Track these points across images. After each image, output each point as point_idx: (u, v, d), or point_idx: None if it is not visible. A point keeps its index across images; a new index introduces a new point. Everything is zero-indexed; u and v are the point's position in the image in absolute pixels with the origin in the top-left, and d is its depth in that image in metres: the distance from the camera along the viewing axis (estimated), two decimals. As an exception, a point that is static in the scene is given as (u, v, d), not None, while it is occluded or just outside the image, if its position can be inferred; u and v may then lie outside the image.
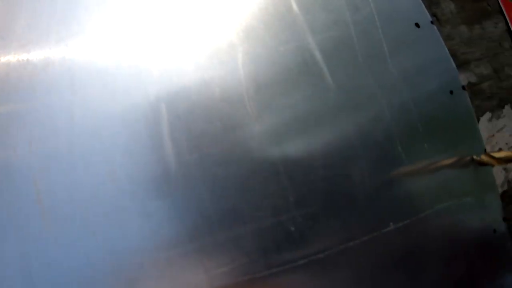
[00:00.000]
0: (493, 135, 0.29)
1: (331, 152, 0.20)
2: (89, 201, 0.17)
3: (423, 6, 0.26)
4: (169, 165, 0.18)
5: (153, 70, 0.19)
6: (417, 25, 0.25)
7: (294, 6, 0.22)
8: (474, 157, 0.26)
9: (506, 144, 0.30)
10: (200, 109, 0.18)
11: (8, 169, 0.15)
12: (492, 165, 0.26)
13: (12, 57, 0.17)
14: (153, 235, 0.17)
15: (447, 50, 0.26)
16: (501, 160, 0.25)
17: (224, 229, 0.18)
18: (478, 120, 0.28)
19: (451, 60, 0.26)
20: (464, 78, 0.28)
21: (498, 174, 0.29)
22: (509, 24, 0.35)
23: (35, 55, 0.17)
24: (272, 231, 0.18)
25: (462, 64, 0.27)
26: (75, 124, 0.17)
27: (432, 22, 0.26)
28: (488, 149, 0.28)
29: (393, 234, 0.22)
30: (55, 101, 0.17)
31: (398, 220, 0.22)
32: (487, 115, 0.29)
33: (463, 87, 0.26)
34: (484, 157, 0.25)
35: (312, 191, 0.19)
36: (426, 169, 0.23)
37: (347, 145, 0.21)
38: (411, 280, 0.23)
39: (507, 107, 0.31)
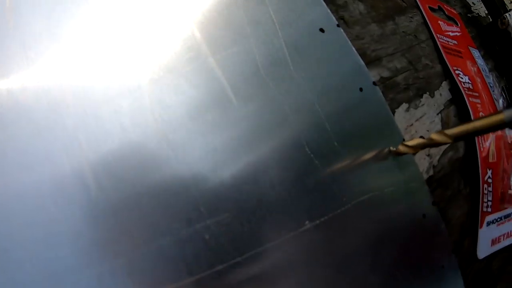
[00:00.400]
0: (412, 124, 0.30)
1: (238, 160, 0.21)
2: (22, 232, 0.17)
3: (328, 10, 0.28)
4: (89, 191, 0.18)
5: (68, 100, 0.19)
6: (321, 30, 0.26)
7: (196, 31, 0.22)
8: (391, 148, 0.27)
9: (428, 131, 0.31)
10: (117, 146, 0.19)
11: None
12: (411, 153, 0.27)
13: None
14: (84, 257, 0.18)
15: (354, 50, 0.27)
16: (417, 147, 0.26)
17: (146, 242, 0.18)
18: (394, 112, 0.29)
19: (359, 58, 0.27)
20: (375, 74, 0.29)
21: (422, 161, 0.30)
22: (425, 16, 0.36)
23: None
24: (190, 240, 0.19)
25: (373, 61, 0.29)
26: (8, 160, 0.17)
27: (338, 25, 0.27)
28: (408, 138, 0.29)
29: (311, 232, 0.22)
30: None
31: (314, 218, 0.23)
32: (404, 106, 0.30)
33: (374, 83, 0.27)
34: (401, 147, 0.27)
35: (223, 199, 0.20)
36: (340, 167, 0.24)
37: (254, 154, 0.21)
38: (338, 273, 0.24)
39: (425, 96, 0.32)
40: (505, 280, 0.37)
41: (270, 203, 0.21)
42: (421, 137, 0.28)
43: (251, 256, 0.21)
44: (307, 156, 0.23)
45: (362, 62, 0.27)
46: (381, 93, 0.27)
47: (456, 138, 0.25)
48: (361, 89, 0.26)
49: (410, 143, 0.26)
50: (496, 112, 0.22)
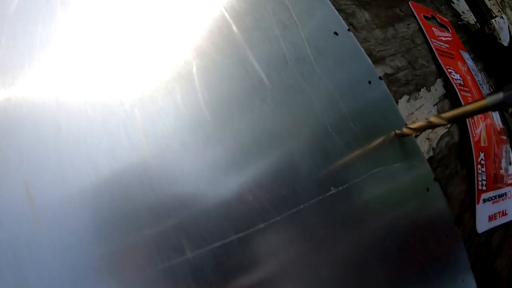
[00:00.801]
0: (413, 113, 0.35)
1: (275, 139, 0.25)
2: (78, 200, 0.20)
3: (341, 18, 0.33)
4: (147, 163, 0.22)
5: (125, 84, 0.24)
6: (335, 33, 0.32)
7: (234, 28, 0.27)
8: (397, 131, 0.32)
9: (426, 119, 0.36)
10: (168, 115, 0.23)
11: None
12: (413, 135, 0.32)
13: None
14: (136, 218, 0.22)
15: (363, 50, 0.32)
16: (419, 129, 0.31)
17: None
18: (397, 102, 0.34)
19: (367, 57, 0.32)
20: (381, 71, 0.34)
21: (423, 143, 0.35)
22: (420, 23, 0.42)
23: (19, 79, 0.21)
24: (236, 199, 0.23)
25: (378, 60, 0.34)
26: (62, 136, 0.22)
27: (349, 30, 0.33)
28: (410, 123, 0.34)
29: (336, 196, 0.27)
30: (41, 116, 0.21)
31: (338, 185, 0.27)
32: (405, 97, 0.35)
33: (380, 78, 0.32)
34: (405, 129, 0.31)
35: (264, 171, 0.25)
36: (356, 145, 0.29)
37: (287, 133, 0.26)
38: (358, 234, 0.28)
39: (423, 90, 0.37)
40: (504, 256, 0.41)
41: (302, 172, 0.26)
42: (422, 122, 0.32)
43: (287, 216, 0.25)
44: (330, 134, 0.28)
45: (370, 60, 0.32)
46: (386, 86, 0.32)
47: (450, 120, 0.29)
48: (369, 82, 0.31)
49: (413, 125, 0.31)
50: (481, 98, 0.27)
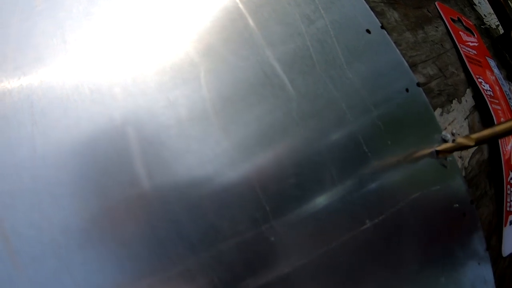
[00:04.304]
0: (446, 128, 0.29)
1: (300, 160, 0.19)
2: (60, 236, 0.15)
3: (372, 13, 0.26)
4: (143, 189, 0.16)
5: (116, 94, 0.17)
6: (368, 31, 0.25)
7: (251, 22, 0.21)
8: (436, 148, 0.26)
9: (459, 134, 0.30)
10: (168, 130, 0.17)
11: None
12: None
13: (-35, 90, 0.15)
14: (132, 264, 0.15)
15: (398, 51, 0.26)
16: (445, 152, 0.26)
17: (205, 247, 0.16)
18: (432, 115, 0.28)
19: (404, 60, 0.26)
20: (414, 78, 0.28)
21: (456, 162, 0.29)
22: (448, 26, 0.35)
23: None
24: (253, 242, 0.17)
25: (410, 67, 0.27)
26: (37, 157, 0.15)
27: (382, 27, 0.26)
28: (444, 140, 0.28)
29: (371, 230, 0.21)
30: (14, 133, 0.15)
31: (373, 216, 0.21)
32: (438, 110, 0.29)
33: (418, 84, 0.26)
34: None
35: (286, 199, 0.18)
36: (393, 165, 0.23)
37: (314, 151, 0.20)
38: (392, 270, 0.22)
39: (454, 102, 0.31)
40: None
41: (332, 202, 0.20)
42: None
43: (315, 257, 0.19)
44: (364, 155, 0.21)
45: (406, 64, 0.26)
46: (424, 94, 0.25)
47: (478, 142, 0.25)
48: (407, 90, 0.25)
49: (440, 148, 0.25)
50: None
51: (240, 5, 0.21)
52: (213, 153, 0.17)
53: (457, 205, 0.26)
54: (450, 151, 0.26)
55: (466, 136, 0.25)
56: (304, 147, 0.19)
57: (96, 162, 0.16)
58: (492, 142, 0.34)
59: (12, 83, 0.16)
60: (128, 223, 0.15)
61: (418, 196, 0.23)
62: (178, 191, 0.16)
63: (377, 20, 0.26)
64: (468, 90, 0.34)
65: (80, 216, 0.15)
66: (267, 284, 0.16)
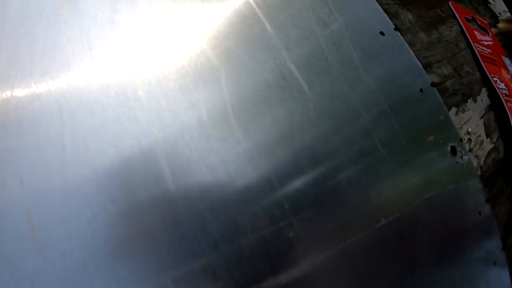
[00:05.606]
0: (461, 127, 0.28)
1: (317, 159, 0.19)
2: (86, 232, 0.15)
3: (386, 15, 0.26)
4: (167, 187, 0.16)
5: (141, 96, 0.18)
6: (382, 33, 0.25)
7: (268, 26, 0.21)
8: (451, 145, 0.25)
9: (474, 134, 0.30)
10: (191, 131, 0.17)
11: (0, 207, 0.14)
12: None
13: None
14: (156, 258, 0.16)
15: (412, 52, 0.26)
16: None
17: (227, 243, 0.16)
18: (447, 115, 0.28)
19: (417, 61, 0.26)
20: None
21: (472, 161, 0.29)
22: (462, 26, 0.35)
23: (19, 89, 0.16)
24: (273, 239, 0.17)
25: (425, 67, 0.27)
26: (66, 155, 0.16)
27: (395, 29, 0.26)
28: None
29: (386, 227, 0.21)
30: (43, 133, 0.16)
31: (389, 214, 0.21)
32: (453, 110, 0.28)
33: (432, 84, 0.26)
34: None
35: (305, 197, 0.18)
36: (408, 164, 0.23)
37: (332, 151, 0.20)
38: (409, 267, 0.22)
39: (470, 101, 0.31)
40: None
41: (349, 200, 0.20)
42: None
43: (333, 253, 0.19)
44: (380, 155, 0.21)
45: (420, 64, 0.26)
46: (439, 95, 0.25)
47: None
48: (421, 90, 0.25)
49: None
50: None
51: (258, 11, 0.21)
52: (235, 152, 0.17)
53: (472, 203, 0.26)
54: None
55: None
56: (321, 146, 0.20)
57: (122, 161, 0.16)
58: (508, 138, 0.33)
59: (40, 88, 0.17)
60: (153, 219, 0.16)
61: (433, 195, 0.23)
62: (201, 188, 0.16)
63: (390, 22, 0.26)
64: (483, 89, 0.33)
65: (107, 212, 0.16)
66: (285, 279, 0.17)
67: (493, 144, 0.32)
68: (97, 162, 0.16)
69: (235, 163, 0.17)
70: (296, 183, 0.18)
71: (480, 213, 0.26)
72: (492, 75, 0.34)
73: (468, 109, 0.30)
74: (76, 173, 0.16)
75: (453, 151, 0.25)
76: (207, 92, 0.18)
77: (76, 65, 0.18)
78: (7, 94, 0.16)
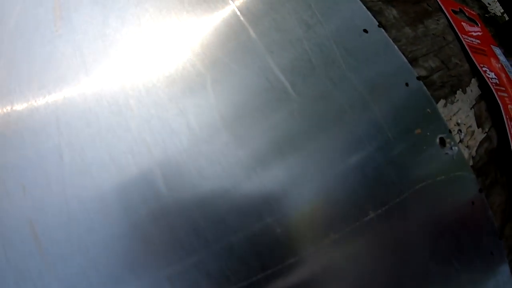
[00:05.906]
0: (450, 119, 0.29)
1: (303, 157, 0.20)
2: (86, 236, 0.16)
3: (369, 13, 0.27)
4: (159, 190, 0.17)
5: (132, 105, 0.19)
6: (365, 31, 0.26)
7: (252, 33, 0.22)
8: (440, 136, 0.26)
9: (464, 124, 0.30)
10: (180, 136, 0.18)
11: (3, 216, 0.15)
12: None
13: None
14: (151, 258, 0.17)
15: (397, 48, 0.27)
16: None
17: (217, 240, 0.17)
18: (435, 107, 0.28)
19: (402, 56, 0.26)
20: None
21: (462, 151, 0.29)
22: (449, 18, 0.35)
23: (19, 104, 0.17)
24: (261, 234, 0.18)
25: (411, 61, 0.28)
26: (64, 164, 0.17)
27: (379, 26, 0.27)
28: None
29: (375, 221, 0.21)
30: (43, 144, 0.17)
31: (376, 207, 0.21)
32: (442, 102, 0.29)
33: (418, 78, 0.26)
34: None
35: (288, 191, 0.19)
36: (396, 157, 0.23)
37: (315, 148, 0.21)
38: (401, 262, 0.22)
39: (459, 92, 0.31)
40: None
41: (335, 193, 0.20)
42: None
43: (320, 248, 0.19)
44: (365, 149, 0.22)
45: (405, 59, 0.26)
46: (425, 87, 0.26)
47: None
48: (407, 84, 0.25)
49: None
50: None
51: (242, 18, 0.22)
52: (222, 154, 0.18)
53: (465, 194, 0.27)
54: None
55: None
56: (306, 145, 0.20)
57: (116, 166, 0.17)
58: (501, 126, 0.33)
59: (38, 101, 0.18)
60: (147, 222, 0.17)
61: (424, 186, 0.24)
62: (191, 189, 0.17)
63: (373, 19, 0.26)
64: (473, 80, 0.34)
65: (104, 216, 0.17)
66: (274, 273, 0.17)
67: (485, 133, 0.32)
68: (93, 169, 0.17)
69: (222, 164, 0.18)
70: (281, 178, 0.19)
71: (473, 203, 0.27)
72: (482, 65, 0.34)
73: (457, 100, 0.31)
74: (74, 181, 0.17)
75: (442, 142, 0.26)
76: (194, 98, 0.19)
77: (71, 78, 0.19)
78: (7, 108, 0.17)
